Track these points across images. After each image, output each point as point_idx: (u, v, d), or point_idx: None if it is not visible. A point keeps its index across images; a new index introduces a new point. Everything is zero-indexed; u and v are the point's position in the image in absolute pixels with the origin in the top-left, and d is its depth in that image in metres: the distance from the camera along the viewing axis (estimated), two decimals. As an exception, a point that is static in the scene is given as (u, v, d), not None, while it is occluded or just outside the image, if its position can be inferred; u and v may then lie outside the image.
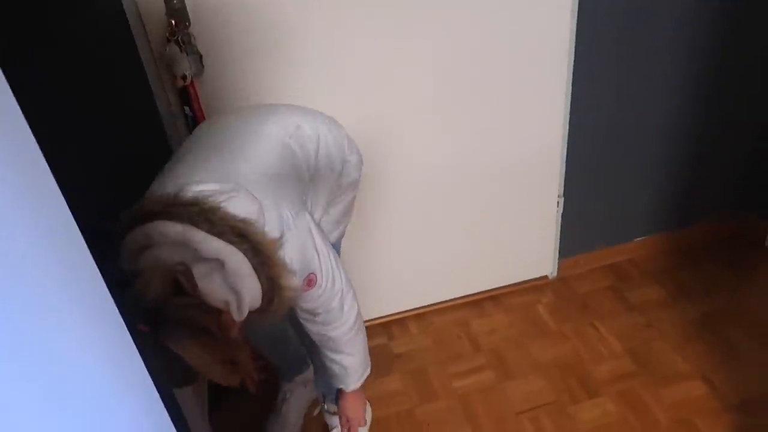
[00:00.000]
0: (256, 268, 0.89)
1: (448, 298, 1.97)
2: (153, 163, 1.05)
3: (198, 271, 0.84)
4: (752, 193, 2.05)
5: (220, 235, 0.86)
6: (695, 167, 1.96)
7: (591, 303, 1.94)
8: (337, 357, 1.22)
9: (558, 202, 1.87)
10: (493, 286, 2.00)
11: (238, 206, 0.90)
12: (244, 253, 0.88)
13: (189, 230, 0.85)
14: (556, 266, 2.02)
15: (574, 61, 1.61)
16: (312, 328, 1.17)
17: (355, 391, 1.30)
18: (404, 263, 1.84)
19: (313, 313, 1.14)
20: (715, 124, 1.87)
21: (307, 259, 1.04)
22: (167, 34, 1.27)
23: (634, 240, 2.07)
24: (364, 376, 1.29)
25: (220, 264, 0.86)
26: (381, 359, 1.77)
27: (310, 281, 1.06)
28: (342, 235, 1.38)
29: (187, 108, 1.33)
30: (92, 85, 1.14)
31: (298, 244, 1.01)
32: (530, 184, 1.81)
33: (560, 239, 1.96)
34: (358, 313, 1.20)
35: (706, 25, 1.67)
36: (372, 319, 1.91)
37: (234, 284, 0.87)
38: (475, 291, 1.99)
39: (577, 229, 1.96)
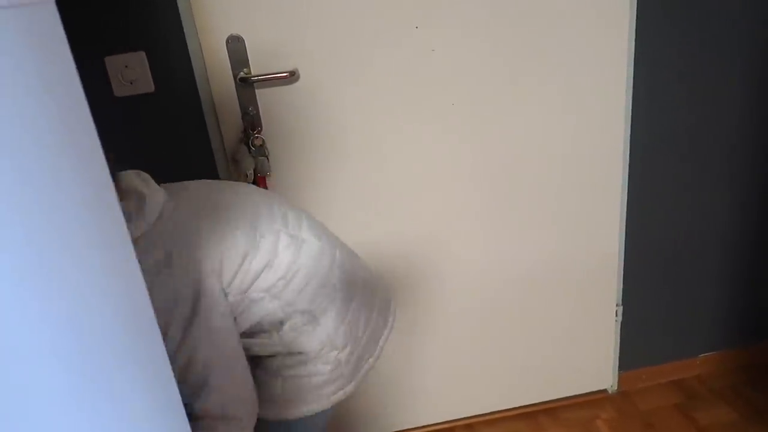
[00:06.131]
0: None
1: (499, 409, 1.88)
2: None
3: None
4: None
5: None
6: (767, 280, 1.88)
7: (656, 422, 1.81)
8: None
9: (616, 311, 1.81)
10: (549, 398, 1.90)
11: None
12: None
13: None
14: (617, 380, 1.92)
15: (630, 160, 1.61)
16: None
17: None
18: (454, 371, 1.79)
19: None
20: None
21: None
22: (240, 137, 1.38)
23: (699, 356, 1.96)
24: None
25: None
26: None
27: None
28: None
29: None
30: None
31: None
32: (587, 292, 1.76)
33: (620, 351, 1.88)
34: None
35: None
36: (420, 427, 1.83)
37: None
38: (529, 402, 1.89)
39: (639, 341, 1.88)
